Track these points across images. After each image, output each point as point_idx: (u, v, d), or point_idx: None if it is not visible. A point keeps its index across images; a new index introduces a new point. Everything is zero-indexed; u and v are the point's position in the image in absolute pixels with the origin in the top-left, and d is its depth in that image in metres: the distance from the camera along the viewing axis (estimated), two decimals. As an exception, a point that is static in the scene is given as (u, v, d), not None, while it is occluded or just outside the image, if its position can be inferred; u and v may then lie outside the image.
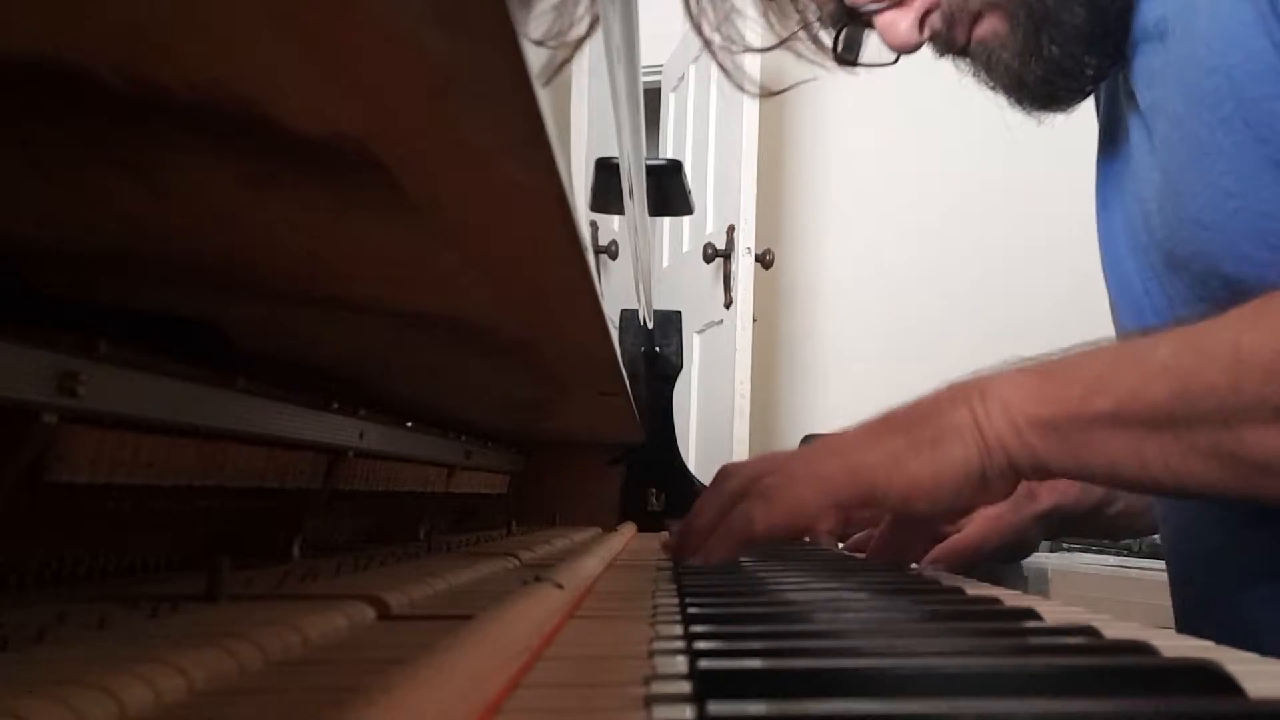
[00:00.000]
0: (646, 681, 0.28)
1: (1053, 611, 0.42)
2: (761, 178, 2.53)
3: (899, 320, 2.87)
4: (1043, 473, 0.55)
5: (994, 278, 2.82)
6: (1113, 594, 1.32)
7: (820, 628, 0.37)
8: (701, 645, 0.30)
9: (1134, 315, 0.68)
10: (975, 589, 0.54)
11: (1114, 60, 0.64)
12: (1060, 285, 2.77)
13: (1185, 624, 0.68)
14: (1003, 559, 0.81)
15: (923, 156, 2.89)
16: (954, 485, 0.56)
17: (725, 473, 0.66)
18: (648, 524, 1.22)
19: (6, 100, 0.25)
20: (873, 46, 0.72)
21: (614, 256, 2.37)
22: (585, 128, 2.75)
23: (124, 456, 0.42)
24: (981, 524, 0.77)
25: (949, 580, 0.62)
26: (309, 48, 0.22)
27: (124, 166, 0.29)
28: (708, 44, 0.75)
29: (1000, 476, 0.55)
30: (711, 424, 2.59)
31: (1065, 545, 1.58)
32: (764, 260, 2.56)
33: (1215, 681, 0.25)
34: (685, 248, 2.81)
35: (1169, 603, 0.71)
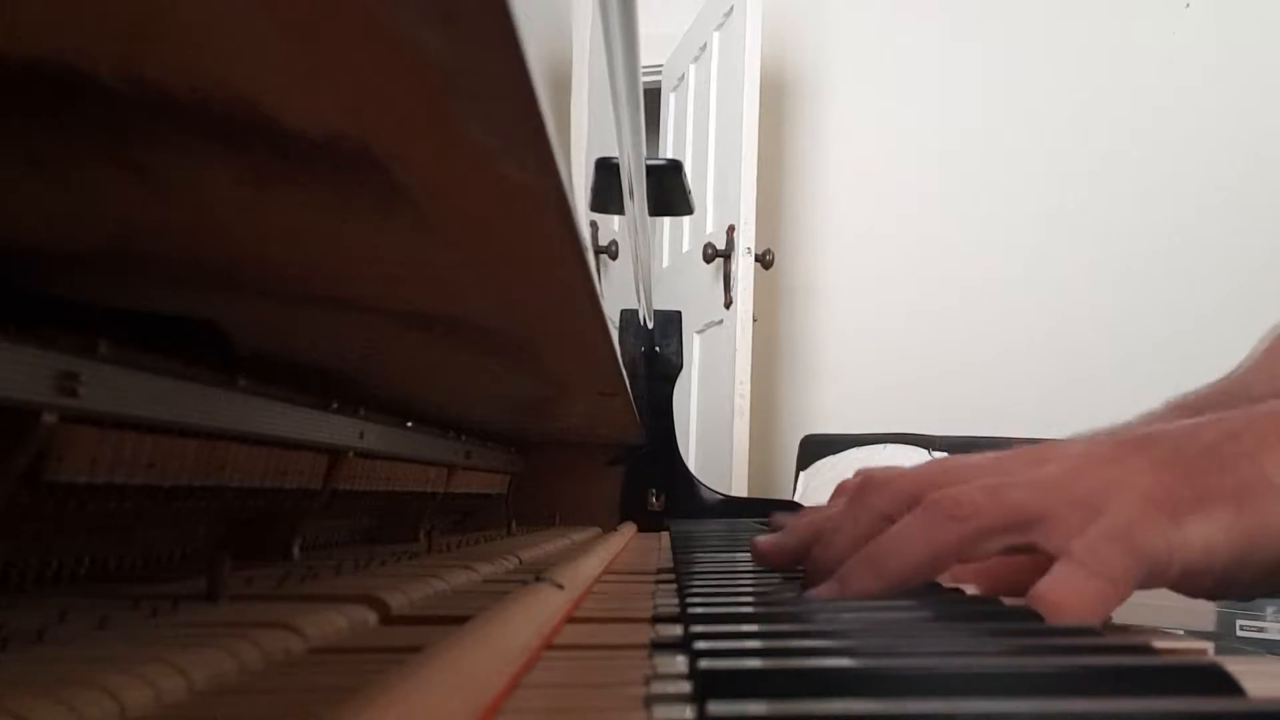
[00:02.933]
0: (646, 681, 0.28)
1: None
2: (761, 178, 2.53)
3: (899, 320, 2.87)
4: None
5: (994, 277, 2.82)
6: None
7: (820, 628, 0.37)
8: (701, 645, 0.30)
9: None
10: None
11: None
12: (1060, 286, 2.77)
13: None
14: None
15: (923, 157, 2.90)
16: (1264, 562, 0.37)
17: (873, 480, 0.45)
18: (648, 524, 1.22)
19: (6, 100, 0.25)
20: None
21: (614, 256, 2.37)
22: (585, 128, 2.75)
23: (124, 456, 0.42)
24: None
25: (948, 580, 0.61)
26: (309, 48, 0.22)
27: (124, 166, 0.29)
28: None
29: None
30: (711, 424, 2.59)
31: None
32: (764, 260, 2.56)
33: (1215, 682, 0.25)
34: (685, 248, 2.81)
35: (1169, 602, 0.71)
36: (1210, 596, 0.39)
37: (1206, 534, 0.37)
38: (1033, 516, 0.39)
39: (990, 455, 0.44)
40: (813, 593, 0.43)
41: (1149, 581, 0.38)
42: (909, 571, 0.41)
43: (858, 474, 0.47)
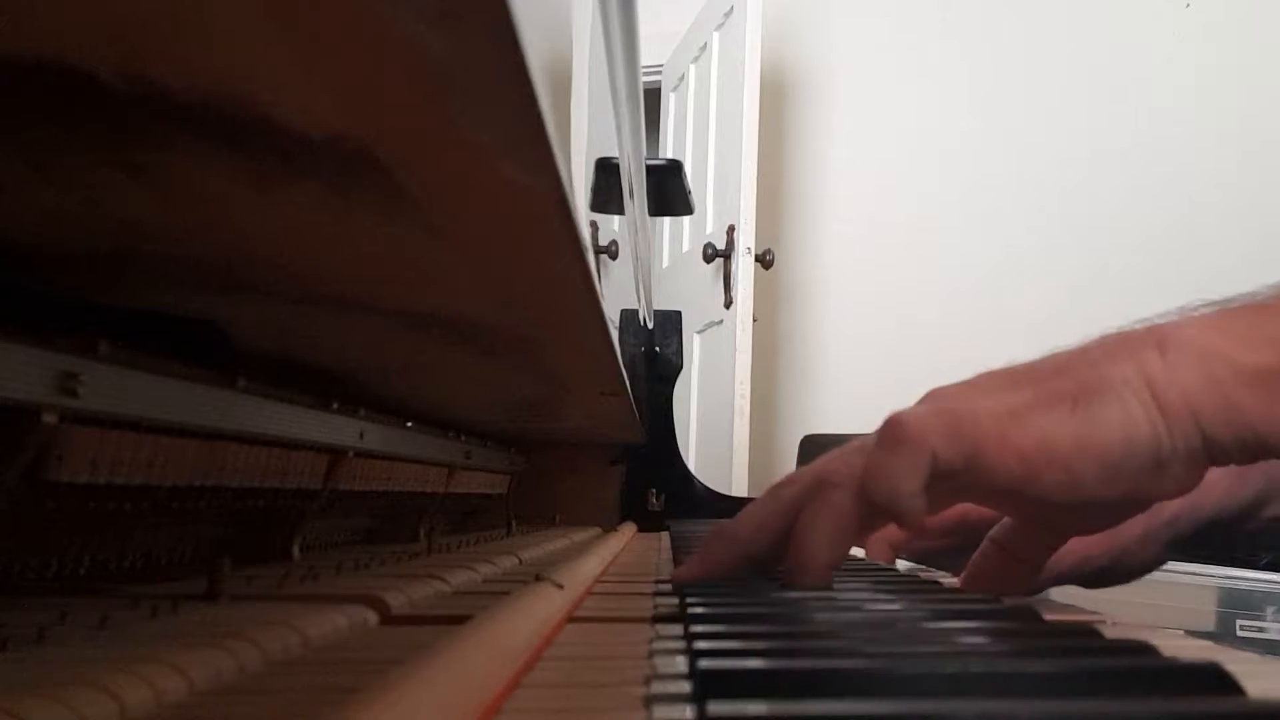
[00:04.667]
0: (646, 681, 0.28)
1: (1053, 612, 0.42)
2: (761, 178, 2.53)
3: (899, 320, 2.87)
4: (1256, 451, 0.38)
5: (994, 278, 2.82)
6: (1113, 594, 1.32)
7: (821, 628, 0.37)
8: (701, 645, 0.30)
9: None
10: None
11: None
12: (1060, 285, 2.77)
13: None
14: (1105, 583, 0.60)
15: (923, 156, 2.89)
16: (1104, 458, 0.39)
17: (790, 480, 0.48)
18: (648, 524, 1.22)
19: (6, 100, 0.25)
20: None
21: (614, 256, 2.37)
22: (585, 128, 2.75)
23: (124, 456, 0.42)
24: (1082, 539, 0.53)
25: (949, 580, 0.62)
26: (309, 48, 0.22)
27: (124, 166, 0.29)
28: None
29: (1184, 457, 0.38)
30: (711, 424, 2.59)
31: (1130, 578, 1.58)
32: (764, 260, 2.56)
33: (1216, 682, 0.25)
34: (685, 248, 2.81)
35: (1170, 603, 0.70)
36: (1058, 489, 0.40)
37: (1044, 427, 0.39)
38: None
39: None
40: (677, 571, 0.48)
41: (985, 464, 0.40)
42: (759, 526, 0.46)
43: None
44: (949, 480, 0.41)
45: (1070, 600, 0.46)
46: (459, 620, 0.35)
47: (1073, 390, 0.40)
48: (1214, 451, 0.39)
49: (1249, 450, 0.39)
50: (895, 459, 0.41)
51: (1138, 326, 0.42)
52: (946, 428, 0.41)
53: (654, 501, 1.29)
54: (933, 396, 0.44)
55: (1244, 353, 0.38)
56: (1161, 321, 0.41)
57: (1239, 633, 1.82)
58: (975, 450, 0.40)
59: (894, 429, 0.42)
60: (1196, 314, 0.41)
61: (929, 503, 0.41)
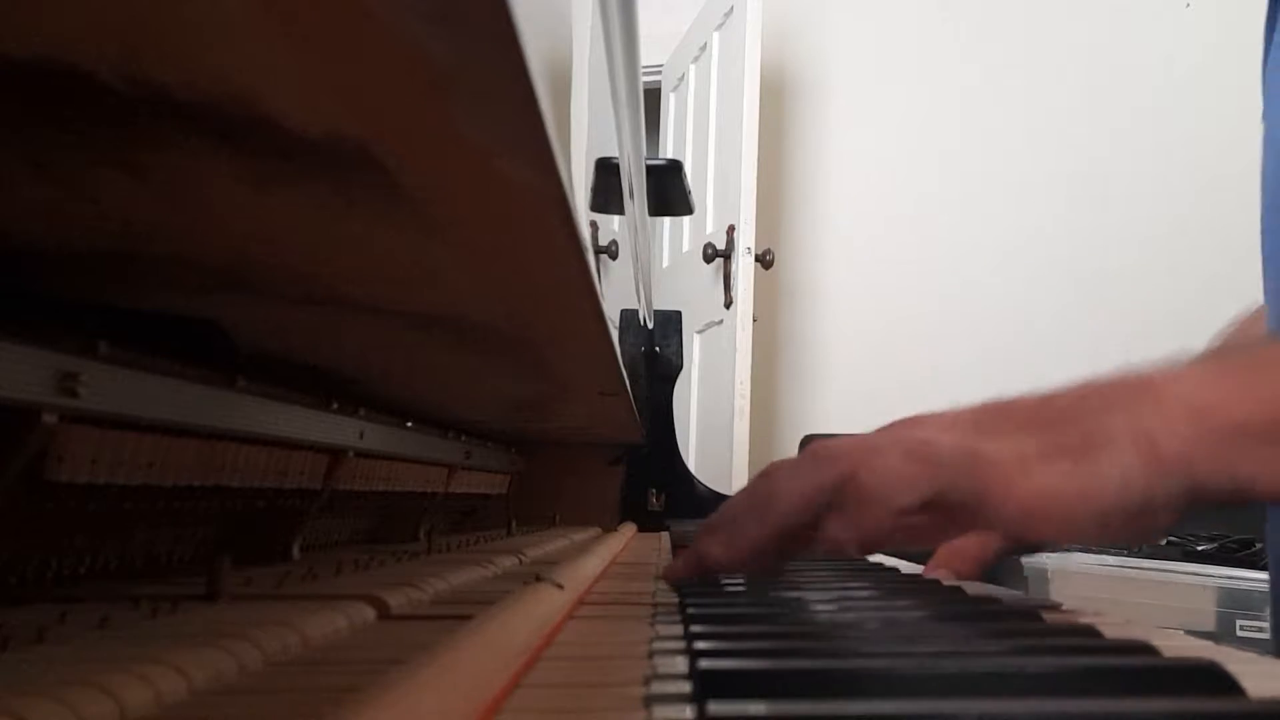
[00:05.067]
0: (646, 681, 0.28)
1: (1053, 612, 0.42)
2: (761, 178, 2.53)
3: (899, 320, 2.87)
4: (1242, 497, 0.42)
5: (994, 278, 2.82)
6: (1113, 594, 1.32)
7: (820, 628, 0.37)
8: (701, 645, 0.30)
9: None
10: (975, 589, 0.54)
11: None
12: (1060, 286, 2.77)
13: None
14: (1019, 552, 0.68)
15: (923, 156, 2.90)
16: (1101, 510, 0.41)
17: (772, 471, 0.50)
18: (648, 524, 1.22)
19: (6, 100, 0.25)
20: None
21: (614, 256, 2.37)
22: (585, 128, 2.75)
23: (124, 456, 0.42)
24: None
25: (949, 580, 0.62)
26: (309, 48, 0.22)
27: (124, 166, 0.29)
28: None
29: (1171, 503, 0.41)
30: (711, 424, 2.59)
31: (1066, 545, 1.59)
32: (764, 260, 2.56)
33: (1216, 681, 0.25)
34: (685, 248, 2.81)
35: (1170, 603, 0.71)
36: (1054, 537, 0.43)
37: (1048, 481, 0.41)
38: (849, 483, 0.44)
39: (863, 437, 0.47)
40: (669, 567, 0.50)
41: (994, 513, 0.42)
42: (754, 539, 0.46)
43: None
44: (944, 507, 0.43)
45: (1070, 600, 0.46)
46: (459, 620, 0.35)
47: (1076, 443, 0.42)
48: (1201, 496, 0.42)
49: (1236, 496, 0.42)
50: (910, 469, 0.43)
51: (1131, 374, 0.44)
52: (965, 465, 0.42)
53: (654, 501, 1.29)
54: (943, 424, 0.45)
55: (1240, 410, 0.41)
56: (1153, 372, 0.44)
57: (1239, 633, 1.82)
58: (982, 493, 0.42)
59: (922, 447, 0.44)
60: (1188, 368, 0.44)
61: (918, 516, 0.44)
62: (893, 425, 0.47)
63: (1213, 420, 0.41)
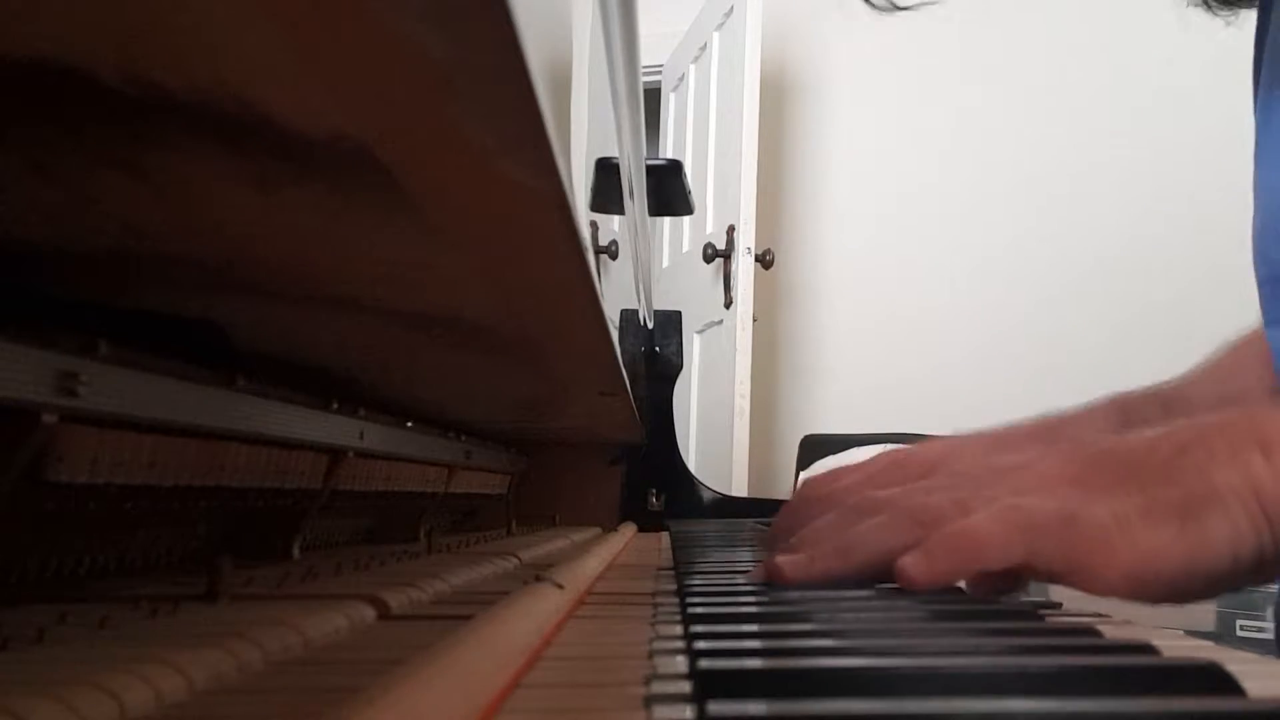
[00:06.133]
0: (646, 681, 0.28)
1: (1053, 612, 0.42)
2: (761, 178, 2.53)
3: (899, 320, 2.87)
4: None
5: (994, 277, 2.82)
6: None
7: (820, 628, 0.37)
8: (701, 645, 0.30)
9: None
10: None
11: None
12: (1060, 285, 2.77)
13: None
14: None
15: (923, 156, 2.90)
16: (1210, 573, 0.39)
17: (850, 487, 0.50)
18: (648, 524, 1.22)
19: (6, 100, 0.25)
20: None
21: (614, 256, 2.37)
22: (585, 128, 2.75)
23: (124, 456, 0.42)
24: None
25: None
26: (309, 48, 0.22)
27: (124, 166, 0.29)
28: None
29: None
30: (711, 424, 2.59)
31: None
32: (764, 260, 2.56)
33: (1216, 682, 0.25)
34: (685, 248, 2.81)
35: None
36: (1160, 602, 0.41)
37: (1153, 543, 0.39)
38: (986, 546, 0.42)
39: (965, 453, 0.48)
40: (781, 560, 0.48)
41: (1091, 579, 0.40)
42: (870, 560, 0.46)
43: (831, 474, 0.53)
44: (1032, 570, 0.42)
45: (1070, 600, 0.46)
46: (459, 620, 0.34)
47: (1181, 501, 0.39)
48: None
49: None
50: (1002, 533, 0.42)
51: (1236, 419, 0.41)
52: (1061, 534, 0.41)
53: (654, 501, 1.29)
54: (1024, 475, 0.44)
55: None
56: (1259, 416, 0.41)
57: (1239, 633, 1.82)
58: (1080, 562, 0.40)
59: (1013, 512, 0.42)
60: None
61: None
62: (981, 468, 0.46)
63: None
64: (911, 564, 0.43)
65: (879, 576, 0.46)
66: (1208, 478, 0.39)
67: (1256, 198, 0.63)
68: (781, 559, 0.48)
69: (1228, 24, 0.61)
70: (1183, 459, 0.41)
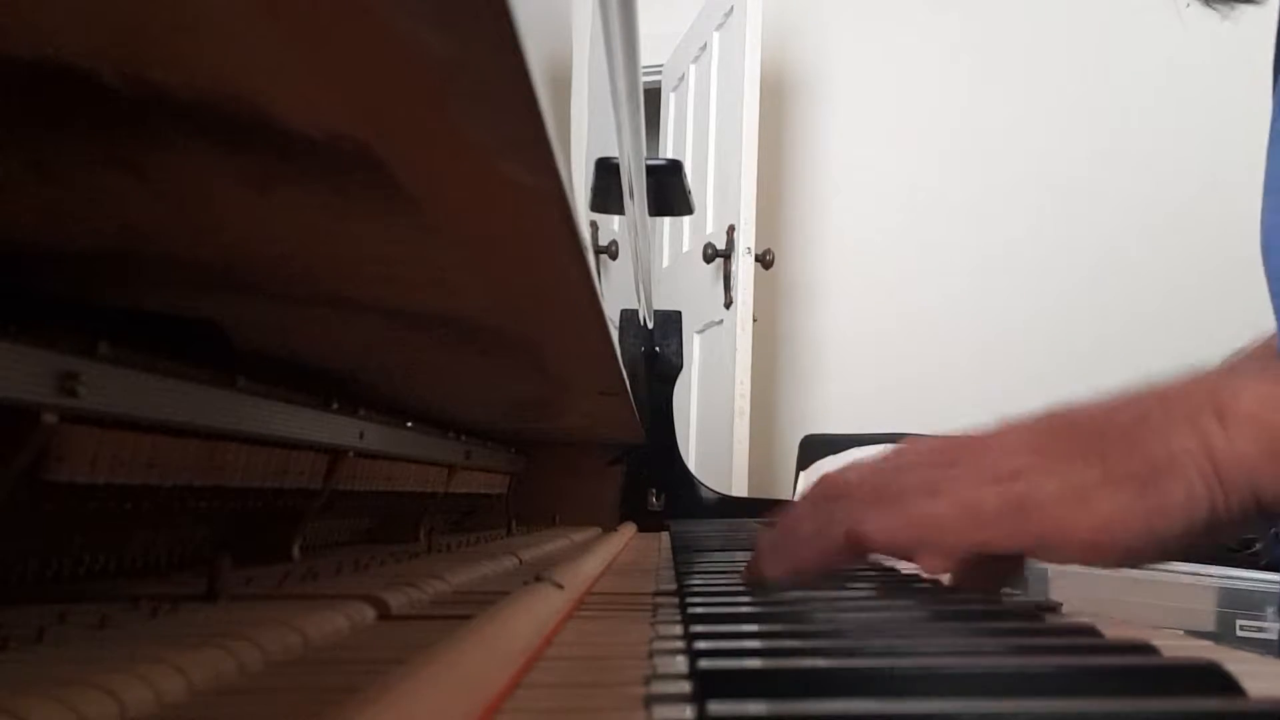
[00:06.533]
0: (646, 681, 0.28)
1: (1053, 612, 0.42)
2: (761, 178, 2.53)
3: (899, 320, 2.87)
4: None
5: (994, 278, 2.82)
6: (1113, 594, 1.32)
7: (820, 628, 0.37)
8: (701, 645, 0.30)
9: None
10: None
11: None
12: (1061, 285, 2.77)
13: None
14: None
15: (923, 156, 2.90)
16: (1166, 535, 0.41)
17: (828, 480, 0.51)
18: (648, 524, 1.22)
19: (6, 100, 0.25)
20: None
21: (614, 256, 2.37)
22: (585, 128, 2.75)
23: (124, 456, 0.42)
24: None
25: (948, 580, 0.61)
26: (309, 48, 0.22)
27: (124, 166, 0.29)
28: None
29: (1236, 520, 0.41)
30: (711, 424, 2.59)
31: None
32: (764, 260, 2.56)
33: (1216, 682, 0.25)
34: (685, 248, 2.81)
35: (1170, 603, 0.71)
36: (1119, 565, 0.43)
37: (1111, 511, 0.41)
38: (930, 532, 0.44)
39: (932, 447, 0.48)
40: (758, 558, 0.49)
41: (1052, 548, 0.42)
42: (853, 544, 0.46)
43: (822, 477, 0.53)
44: (999, 550, 0.44)
45: (1070, 600, 0.46)
46: (459, 620, 0.34)
47: (1141, 471, 0.41)
48: (1265, 511, 0.41)
49: None
50: (957, 527, 0.44)
51: (1194, 385, 0.43)
52: (1014, 519, 0.42)
53: (654, 501, 1.29)
54: (986, 457, 0.45)
55: None
56: (1216, 383, 0.43)
57: (1239, 633, 1.82)
58: (1036, 541, 0.43)
59: (968, 509, 0.44)
60: (1251, 382, 0.42)
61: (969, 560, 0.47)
62: (949, 445, 0.47)
63: (1278, 436, 0.40)
64: (871, 525, 0.45)
65: (854, 557, 0.47)
66: (1166, 443, 0.41)
67: (1267, 191, 0.62)
68: (757, 557, 0.49)
69: (1224, 19, 0.61)
70: (1143, 426, 0.42)
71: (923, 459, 0.48)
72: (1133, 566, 0.43)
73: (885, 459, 0.50)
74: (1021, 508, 0.42)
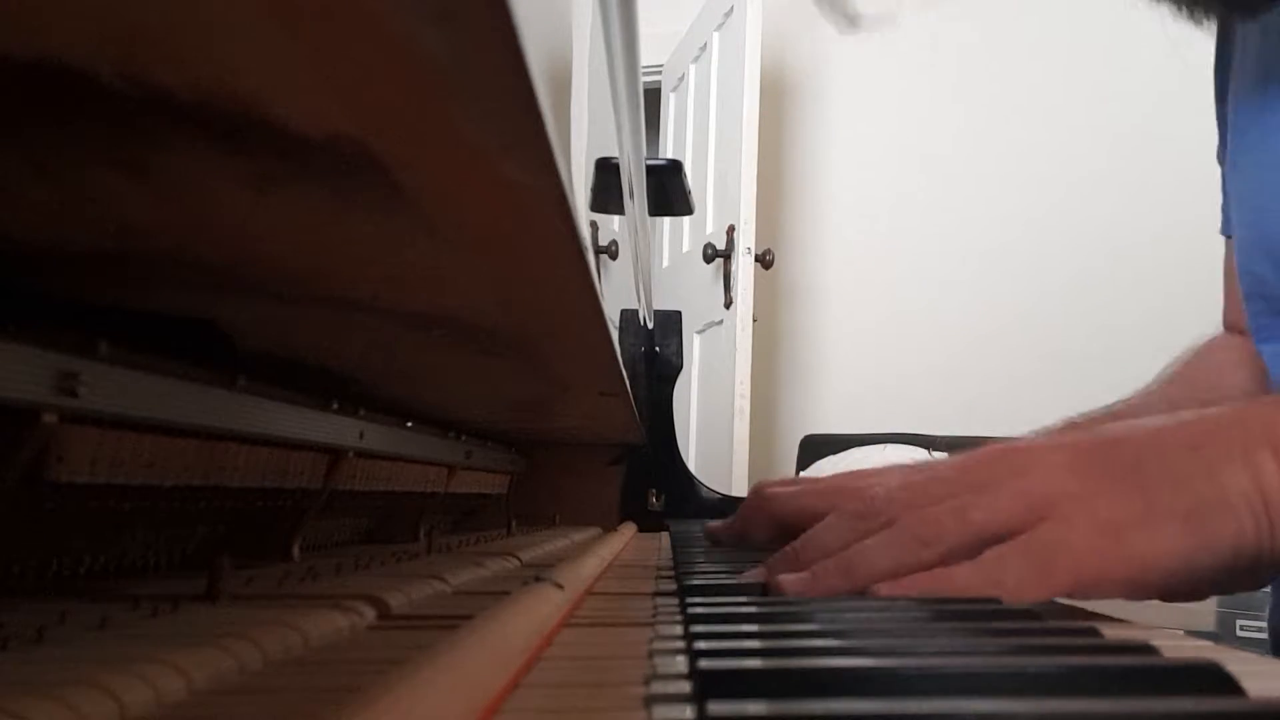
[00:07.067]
0: (646, 681, 0.28)
1: (1053, 612, 0.42)
2: (761, 178, 2.53)
3: (899, 320, 2.87)
4: None
5: (994, 277, 2.82)
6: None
7: (820, 628, 0.37)
8: (701, 645, 0.30)
9: None
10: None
11: None
12: (1060, 285, 2.77)
13: None
14: None
15: (923, 156, 2.90)
16: (1208, 574, 0.39)
17: (855, 494, 0.48)
18: (648, 524, 1.22)
19: (6, 100, 0.25)
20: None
21: (614, 256, 2.37)
22: (585, 128, 2.75)
23: (124, 456, 0.42)
24: None
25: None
26: (309, 48, 0.22)
27: (124, 166, 0.29)
28: None
29: (1278, 559, 0.39)
30: (711, 424, 2.59)
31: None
32: (764, 260, 2.56)
33: (1216, 682, 0.25)
34: (685, 248, 2.81)
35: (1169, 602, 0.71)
36: (1155, 598, 0.41)
37: (1150, 549, 0.39)
38: (991, 536, 0.41)
39: (964, 464, 0.46)
40: (785, 579, 0.45)
41: (1087, 593, 0.40)
42: (874, 580, 0.43)
43: (835, 478, 0.51)
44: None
45: (1070, 600, 0.46)
46: (459, 620, 0.34)
47: (1188, 507, 0.39)
48: None
49: None
50: (970, 586, 0.41)
51: (1248, 417, 0.41)
52: (1041, 582, 0.40)
53: (654, 501, 1.29)
54: (1035, 470, 0.42)
55: None
56: (1273, 413, 0.40)
57: (1239, 633, 1.82)
58: (1073, 589, 0.40)
59: (991, 570, 0.41)
60: None
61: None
62: (984, 461, 0.44)
63: None
64: (898, 588, 0.42)
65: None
66: (1218, 479, 0.39)
67: (1235, 213, 0.63)
68: (785, 578, 0.46)
69: (1211, 35, 0.61)
70: (1192, 457, 0.40)
71: (955, 477, 0.45)
72: (1167, 601, 0.41)
73: (915, 475, 0.47)
74: (1048, 565, 0.40)
